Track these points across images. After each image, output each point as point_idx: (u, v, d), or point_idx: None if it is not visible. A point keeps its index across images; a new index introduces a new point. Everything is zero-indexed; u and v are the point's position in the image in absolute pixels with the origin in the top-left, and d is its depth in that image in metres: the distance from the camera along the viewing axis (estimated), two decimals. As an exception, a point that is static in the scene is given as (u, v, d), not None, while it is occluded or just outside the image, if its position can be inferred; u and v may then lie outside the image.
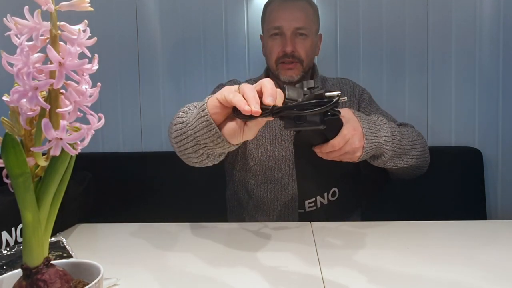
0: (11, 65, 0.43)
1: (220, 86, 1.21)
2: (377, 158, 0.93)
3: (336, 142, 0.81)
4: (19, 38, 0.42)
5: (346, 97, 0.67)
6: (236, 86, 0.69)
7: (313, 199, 1.06)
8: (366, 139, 0.85)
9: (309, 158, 0.92)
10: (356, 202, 1.17)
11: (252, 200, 1.14)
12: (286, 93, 0.67)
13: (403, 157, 0.96)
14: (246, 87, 0.66)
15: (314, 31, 1.17)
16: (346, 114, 0.86)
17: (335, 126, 0.82)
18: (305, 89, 0.70)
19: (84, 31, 0.44)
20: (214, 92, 1.20)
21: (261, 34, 1.24)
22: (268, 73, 1.24)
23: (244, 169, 1.15)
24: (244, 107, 0.62)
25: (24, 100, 0.42)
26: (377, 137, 0.88)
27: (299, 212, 1.06)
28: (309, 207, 1.06)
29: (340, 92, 0.63)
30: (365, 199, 1.19)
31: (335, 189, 1.07)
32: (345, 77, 1.27)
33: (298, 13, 1.12)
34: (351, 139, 0.82)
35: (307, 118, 0.67)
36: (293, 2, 1.14)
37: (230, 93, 0.67)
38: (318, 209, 1.06)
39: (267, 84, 0.65)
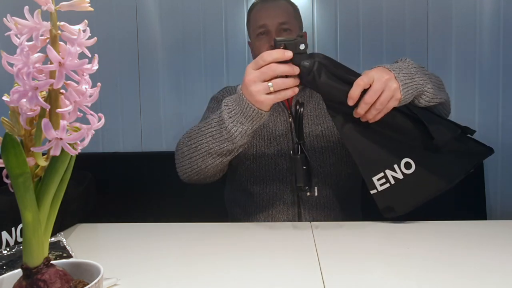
0: (11, 65, 0.43)
1: (213, 100, 1.26)
2: (427, 96, 0.89)
3: (360, 79, 0.80)
4: (19, 38, 0.42)
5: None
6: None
7: (381, 174, 0.90)
8: (393, 71, 0.84)
9: (353, 124, 0.88)
10: (446, 173, 0.95)
11: (250, 199, 1.14)
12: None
13: (440, 89, 0.95)
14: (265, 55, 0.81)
15: (298, 27, 1.22)
16: (364, 72, 0.86)
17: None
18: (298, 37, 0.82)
19: (84, 31, 0.44)
20: (208, 107, 1.25)
21: (249, 40, 1.26)
22: None
23: (240, 168, 1.15)
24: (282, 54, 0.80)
25: (24, 100, 0.42)
26: (406, 68, 0.87)
27: (372, 194, 0.91)
28: (381, 185, 0.90)
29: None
30: (462, 168, 0.96)
31: (407, 159, 0.90)
32: None
33: (279, 10, 1.19)
34: (377, 74, 0.82)
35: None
36: (274, 2, 1.21)
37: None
38: (394, 186, 0.90)
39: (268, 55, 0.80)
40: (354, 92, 0.79)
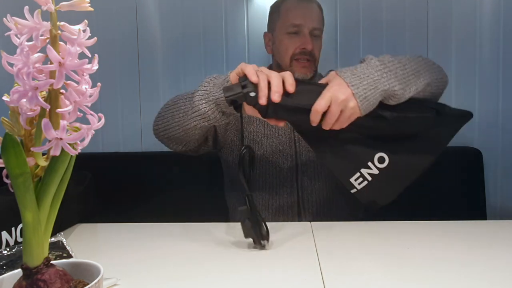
0: (11, 65, 0.43)
1: None
2: (395, 97, 0.84)
3: (317, 105, 0.77)
4: (19, 38, 0.42)
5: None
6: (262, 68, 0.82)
7: (358, 174, 0.90)
8: (352, 85, 0.79)
9: (322, 134, 0.85)
10: (418, 160, 0.94)
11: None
12: None
13: (419, 76, 0.88)
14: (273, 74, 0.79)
15: (322, 32, 1.20)
16: (329, 77, 0.83)
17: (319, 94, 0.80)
18: None
19: (84, 31, 0.44)
20: None
21: (266, 31, 1.24)
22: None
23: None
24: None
25: (24, 100, 0.42)
26: (368, 76, 0.81)
27: (353, 193, 0.91)
28: (359, 184, 0.90)
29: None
30: (430, 153, 0.96)
31: (380, 154, 0.90)
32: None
33: (314, 13, 1.16)
34: (333, 95, 0.77)
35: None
36: (309, 2, 1.17)
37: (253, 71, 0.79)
38: (372, 182, 0.90)
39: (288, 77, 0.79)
40: (315, 118, 0.78)
